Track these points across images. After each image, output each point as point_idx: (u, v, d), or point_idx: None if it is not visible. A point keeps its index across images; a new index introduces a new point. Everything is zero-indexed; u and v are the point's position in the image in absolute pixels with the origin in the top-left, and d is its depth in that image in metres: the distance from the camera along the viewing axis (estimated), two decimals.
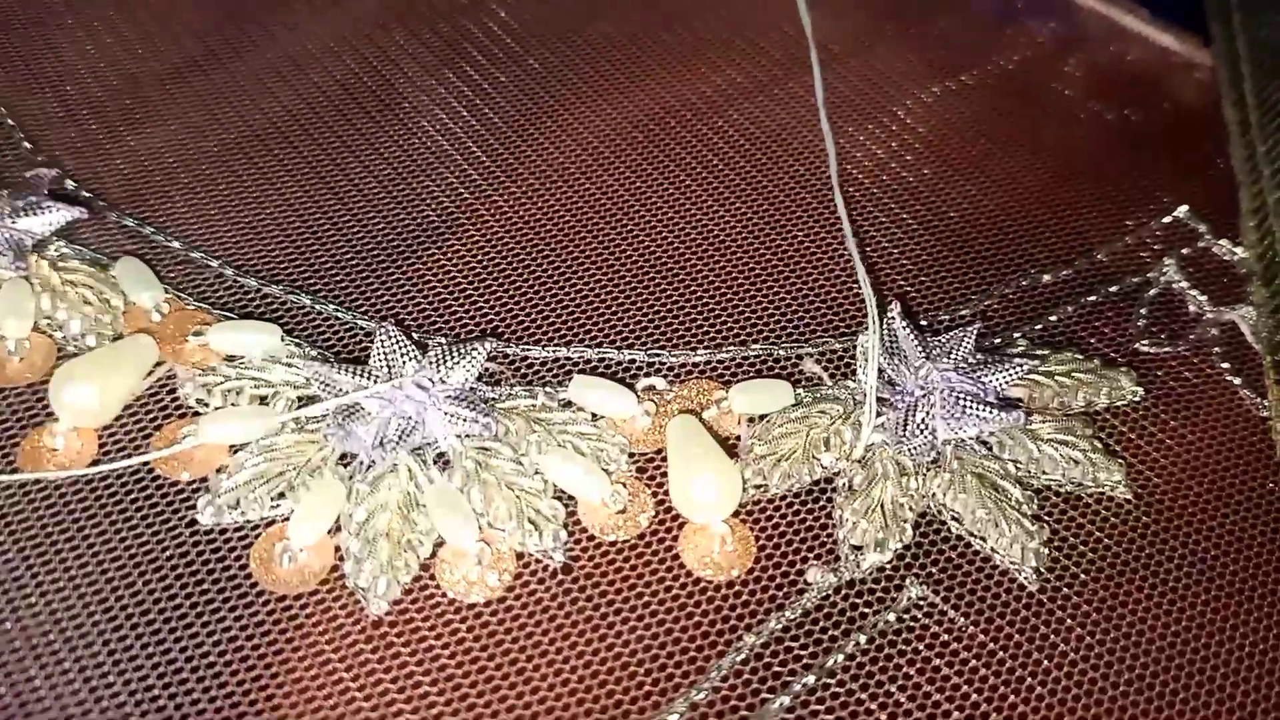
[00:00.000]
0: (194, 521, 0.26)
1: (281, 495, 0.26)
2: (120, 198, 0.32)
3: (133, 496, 0.26)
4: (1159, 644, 0.25)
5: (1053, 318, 0.31)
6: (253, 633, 0.24)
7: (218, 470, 0.26)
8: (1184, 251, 0.34)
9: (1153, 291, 0.32)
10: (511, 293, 0.31)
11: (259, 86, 0.36)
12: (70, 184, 0.32)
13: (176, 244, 0.31)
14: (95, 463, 0.26)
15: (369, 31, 0.39)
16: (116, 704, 0.23)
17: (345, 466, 0.26)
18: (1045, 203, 0.35)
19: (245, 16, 0.39)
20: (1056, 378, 0.29)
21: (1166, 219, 0.34)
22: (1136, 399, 0.30)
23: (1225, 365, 0.31)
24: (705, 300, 0.31)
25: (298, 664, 0.24)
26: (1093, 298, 0.32)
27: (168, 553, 0.25)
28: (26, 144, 0.34)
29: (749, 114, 0.37)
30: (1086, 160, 0.36)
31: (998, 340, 0.31)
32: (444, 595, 0.25)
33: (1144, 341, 0.31)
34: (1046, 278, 0.32)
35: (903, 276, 0.32)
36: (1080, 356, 0.30)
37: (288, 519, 0.25)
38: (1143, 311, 0.32)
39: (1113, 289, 0.32)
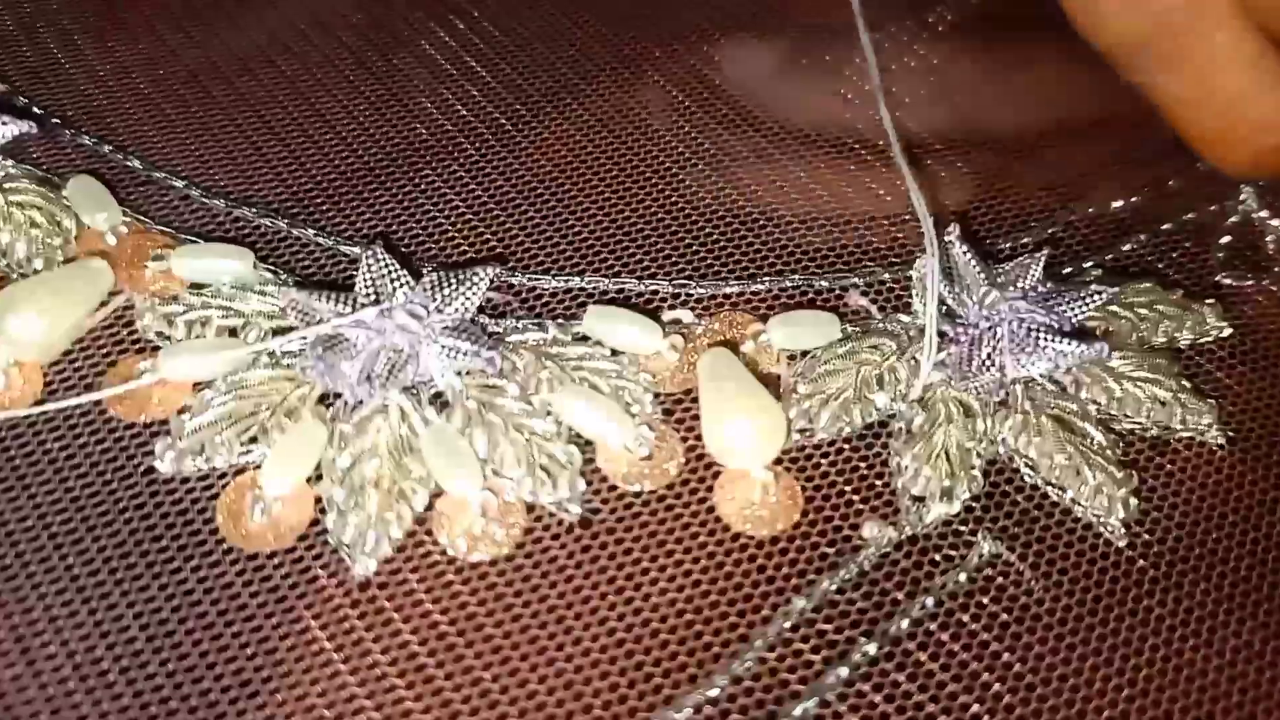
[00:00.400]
0: (152, 469, 0.22)
1: (253, 439, 0.22)
2: (78, 115, 0.29)
3: (82, 441, 0.23)
4: (1264, 604, 0.22)
5: (1126, 246, 0.28)
6: (218, 596, 0.21)
7: (180, 411, 0.23)
8: (1261, 180, 0.30)
9: (1231, 220, 0.29)
10: (517, 217, 0.28)
11: (239, 5, 0.33)
12: (20, 100, 0.29)
13: (137, 163, 0.28)
14: (40, 402, 0.23)
15: None
16: (58, 678, 0.19)
17: (327, 407, 0.23)
18: (1113, 123, 0.31)
19: None
20: (1136, 309, 0.26)
21: None
22: (1223, 335, 0.26)
23: None
24: (735, 225, 0.28)
25: (271, 632, 0.20)
26: (1167, 226, 0.29)
27: (122, 505, 0.22)
28: None
29: (778, 30, 0.34)
30: None
31: (1067, 269, 0.27)
32: (442, 553, 0.21)
33: (1225, 274, 0.28)
34: (1116, 203, 0.29)
35: (956, 201, 0.29)
36: (1160, 288, 0.26)
37: (260, 466, 0.22)
38: (1222, 241, 0.29)
39: (1188, 217, 0.29)
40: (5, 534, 0.21)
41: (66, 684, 0.19)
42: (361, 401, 0.23)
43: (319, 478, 0.22)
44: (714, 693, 0.20)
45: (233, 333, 0.24)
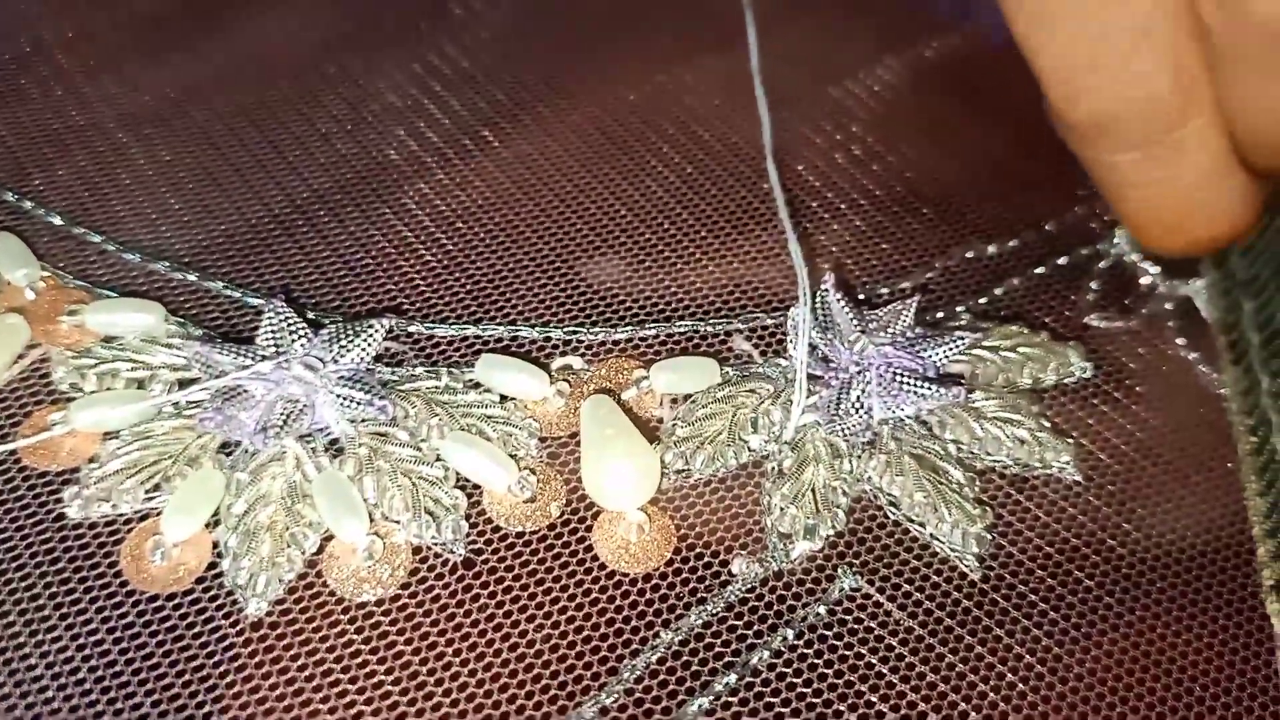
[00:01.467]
0: (62, 515, 0.23)
1: (156, 486, 0.23)
2: None
3: None
4: (1111, 635, 0.24)
5: (998, 291, 0.29)
6: (120, 635, 0.22)
7: (89, 460, 0.24)
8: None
9: (1103, 264, 0.31)
10: (418, 267, 0.29)
11: (153, 57, 0.34)
12: None
13: (58, 220, 0.29)
14: None
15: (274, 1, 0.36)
16: None
17: (227, 455, 0.24)
18: (992, 173, 0.33)
19: None
20: (1001, 352, 0.27)
21: None
22: (1086, 375, 0.28)
23: (1180, 340, 0.29)
24: (627, 274, 0.29)
25: (168, 669, 0.21)
26: (1040, 270, 0.30)
27: (32, 549, 0.23)
28: None
29: (680, 80, 0.35)
30: (1033, 129, 0.34)
31: (940, 314, 0.29)
32: (332, 594, 0.23)
33: (1094, 315, 0.29)
34: (992, 249, 0.31)
35: (840, 248, 0.30)
36: (1026, 330, 0.28)
37: (161, 512, 0.23)
38: (1093, 284, 0.30)
39: (1061, 261, 0.31)
40: None
41: None
42: (259, 450, 0.24)
43: (217, 523, 0.23)
44: None
45: (140, 384, 0.25)
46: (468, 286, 0.29)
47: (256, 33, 0.35)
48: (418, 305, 0.28)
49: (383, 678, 0.22)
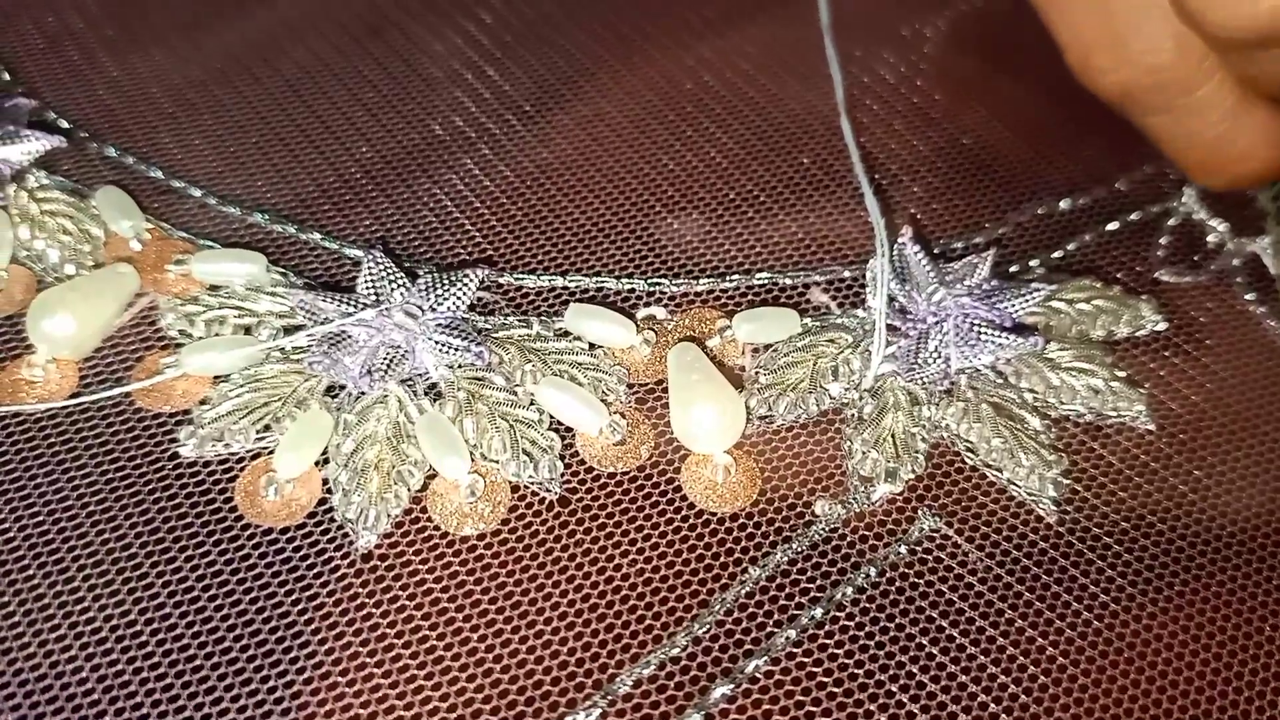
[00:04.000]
0: (177, 454, 0.25)
1: (267, 427, 0.25)
2: (101, 127, 0.31)
3: (114, 429, 0.25)
4: (1183, 577, 0.24)
5: (1071, 246, 0.30)
6: (238, 567, 0.23)
7: (201, 402, 0.25)
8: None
9: (1173, 220, 0.31)
10: (505, 221, 0.30)
11: (242, 12, 0.35)
12: (50, 114, 0.31)
13: (158, 173, 0.30)
14: (75, 395, 0.25)
15: None
16: (97, 639, 0.22)
17: (333, 398, 0.25)
18: (1062, 129, 0.33)
19: None
20: (1075, 305, 0.28)
21: None
22: (1158, 328, 0.28)
23: (1249, 296, 0.30)
24: (708, 227, 0.30)
25: (284, 599, 0.23)
26: (1112, 226, 0.31)
27: (150, 486, 0.24)
28: (5, 74, 0.32)
29: (752, 37, 0.36)
30: None
31: (1014, 267, 0.29)
32: (436, 528, 0.24)
33: (1165, 271, 0.30)
34: (1064, 205, 0.31)
35: (914, 204, 0.31)
36: (1099, 284, 0.29)
37: (273, 451, 0.24)
38: (1163, 240, 0.31)
39: (1132, 217, 0.31)
40: (48, 514, 0.24)
41: (110, 652, 0.22)
42: (363, 392, 0.25)
43: (326, 461, 0.24)
44: (676, 651, 0.22)
45: (247, 330, 0.26)
46: (553, 239, 0.30)
47: None
48: (506, 257, 0.29)
49: (487, 606, 0.23)
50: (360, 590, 0.23)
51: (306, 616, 0.23)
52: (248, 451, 0.25)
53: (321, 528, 0.24)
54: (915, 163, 0.32)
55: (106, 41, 0.34)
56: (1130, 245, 0.30)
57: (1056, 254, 0.30)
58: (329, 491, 0.24)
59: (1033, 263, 0.29)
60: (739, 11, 0.36)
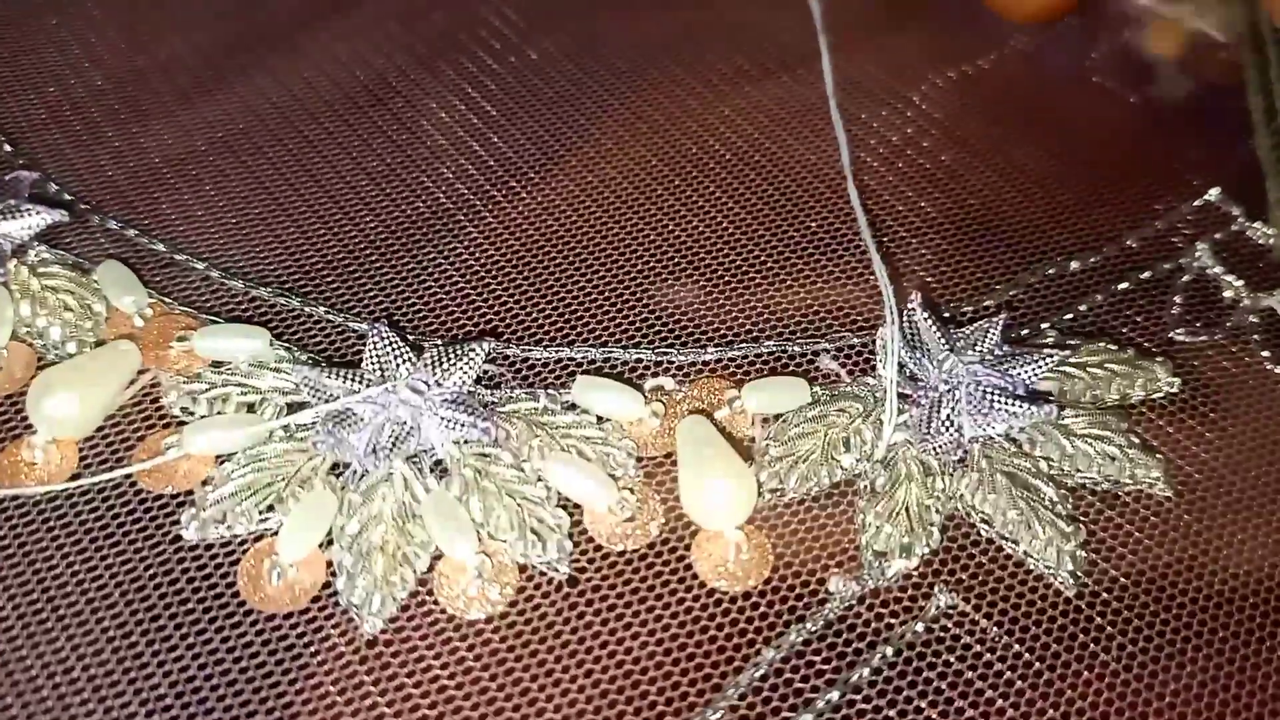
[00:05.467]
0: (179, 537, 0.24)
1: (270, 508, 0.24)
2: (104, 200, 0.31)
3: (115, 511, 0.25)
4: (1206, 651, 0.24)
5: (1082, 307, 0.30)
6: (240, 655, 0.23)
7: (203, 483, 0.25)
8: (1217, 236, 0.32)
9: (1186, 278, 0.31)
10: (511, 291, 0.30)
11: (247, 84, 0.35)
12: (52, 187, 0.31)
13: (161, 246, 0.30)
14: (75, 476, 0.25)
15: (364, 27, 0.37)
16: None
17: (337, 477, 0.25)
18: (1070, 188, 0.33)
19: (235, 14, 0.38)
20: (1089, 369, 0.27)
21: (1197, 202, 0.33)
22: (1173, 390, 0.28)
23: (1265, 354, 0.29)
24: (715, 295, 0.30)
25: (287, 688, 0.22)
26: (1124, 285, 0.30)
27: (151, 571, 0.24)
28: (7, 146, 0.32)
29: (757, 102, 0.35)
30: (1112, 144, 0.35)
31: (1025, 331, 0.29)
32: (442, 611, 0.23)
33: (1179, 330, 0.30)
34: (1075, 265, 0.31)
35: (922, 267, 0.31)
36: (1113, 346, 0.28)
37: (277, 533, 0.24)
38: (1176, 299, 0.30)
39: (1144, 276, 0.31)
40: (46, 600, 0.23)
41: None
42: (368, 471, 0.25)
43: (330, 543, 0.24)
44: None
45: (250, 408, 0.26)
46: (559, 309, 0.29)
47: (345, 55, 0.36)
48: (512, 328, 0.29)
49: (495, 694, 0.22)
50: (363, 675, 0.22)
51: (311, 707, 0.22)
52: (251, 534, 0.24)
53: (325, 611, 0.23)
54: (922, 225, 0.32)
55: (109, 112, 0.34)
56: (1143, 305, 0.30)
57: (1068, 316, 0.29)
58: (333, 574, 0.24)
59: (1044, 325, 0.29)
60: (742, 75, 0.36)
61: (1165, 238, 0.32)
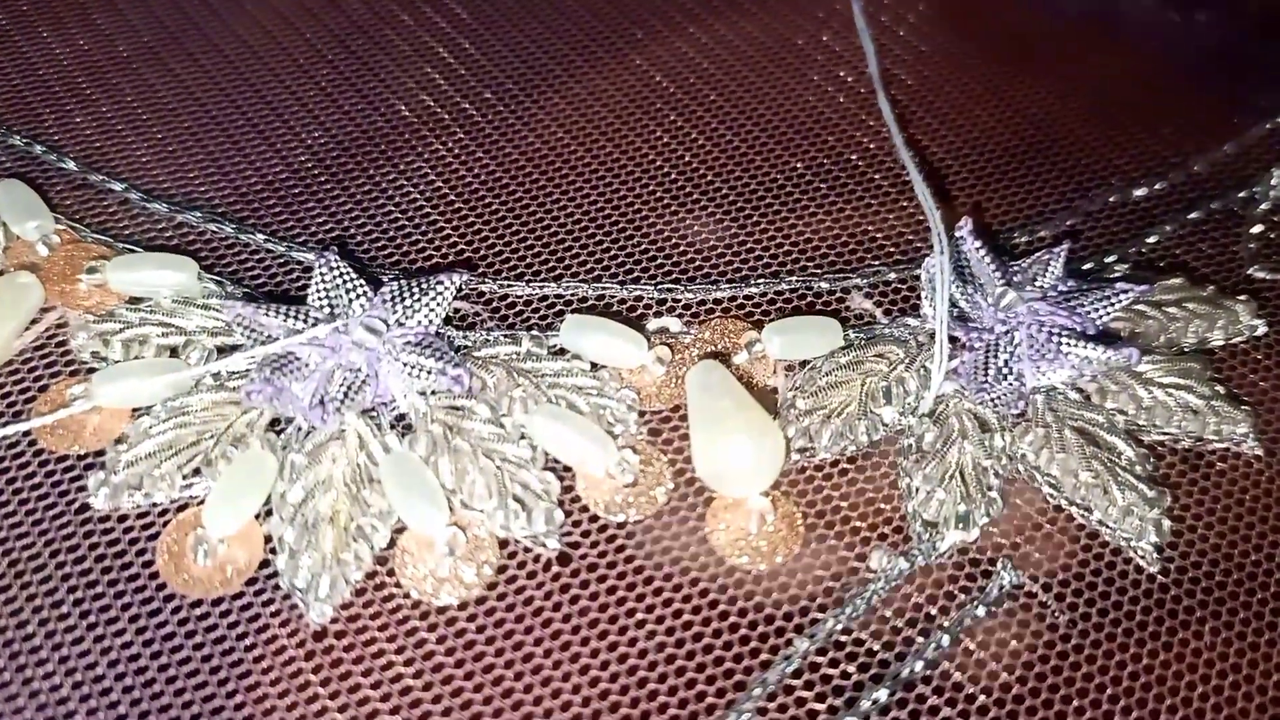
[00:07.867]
0: (86, 506, 0.21)
1: (196, 471, 0.21)
2: (6, 111, 0.28)
3: (10, 475, 0.21)
4: None
5: (1150, 238, 0.26)
6: (159, 648, 0.19)
7: (116, 441, 0.21)
8: None
9: (1262, 207, 0.27)
10: (486, 217, 0.26)
11: None
12: None
13: (72, 165, 0.26)
14: None
15: None
16: None
17: (278, 434, 0.21)
18: (1130, 108, 0.30)
19: None
20: (1164, 308, 0.24)
21: (1269, 125, 0.29)
22: (1257, 334, 0.25)
23: None
24: (727, 224, 0.26)
25: (217, 689, 0.19)
26: (1194, 215, 0.27)
27: (53, 546, 0.20)
28: None
29: (775, 10, 0.32)
30: (1175, 63, 0.32)
31: (1088, 264, 0.25)
32: (406, 596, 0.20)
33: (1258, 266, 0.26)
34: (1139, 192, 0.27)
35: (965, 192, 0.27)
36: (1190, 283, 0.25)
37: (203, 502, 0.20)
38: (1254, 231, 0.27)
39: (1215, 205, 0.27)
40: None
41: None
42: (314, 427, 0.21)
43: (269, 514, 0.21)
44: None
45: (174, 352, 0.23)
46: (544, 239, 0.26)
47: None
48: (488, 260, 0.25)
49: (471, 695, 0.19)
50: (309, 673, 0.19)
51: (245, 712, 0.18)
52: (173, 502, 0.21)
53: (263, 596, 0.20)
54: (964, 146, 0.29)
55: (16, 14, 0.30)
56: (1216, 237, 0.27)
57: (1134, 249, 0.26)
58: (273, 551, 0.20)
59: (1109, 258, 0.25)
60: None
61: (1236, 163, 0.28)
